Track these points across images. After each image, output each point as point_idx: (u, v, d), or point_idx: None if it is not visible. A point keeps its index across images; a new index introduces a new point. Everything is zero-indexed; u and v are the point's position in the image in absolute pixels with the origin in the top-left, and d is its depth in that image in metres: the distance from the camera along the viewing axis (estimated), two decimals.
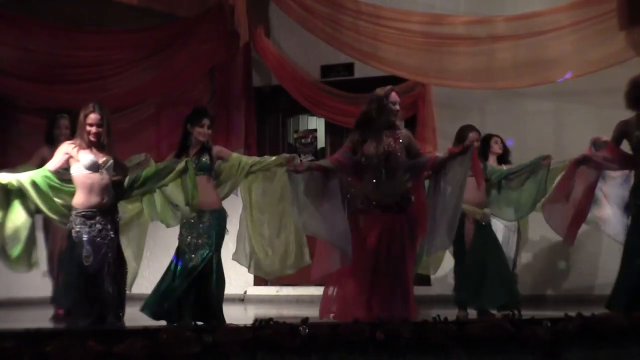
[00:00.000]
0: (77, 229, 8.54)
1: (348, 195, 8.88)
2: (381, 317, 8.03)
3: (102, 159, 8.60)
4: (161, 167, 8.94)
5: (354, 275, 8.69)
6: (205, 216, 9.29)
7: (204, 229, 9.34)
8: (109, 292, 8.67)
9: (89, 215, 8.56)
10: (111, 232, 8.68)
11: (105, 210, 8.64)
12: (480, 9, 12.36)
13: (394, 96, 8.81)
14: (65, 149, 8.67)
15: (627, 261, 8.99)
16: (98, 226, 8.58)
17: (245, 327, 7.23)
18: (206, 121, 9.46)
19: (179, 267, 9.27)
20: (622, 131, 9.03)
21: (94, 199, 8.58)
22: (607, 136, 9.19)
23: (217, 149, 9.63)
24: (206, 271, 9.19)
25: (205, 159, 9.38)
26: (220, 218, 9.46)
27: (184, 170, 8.86)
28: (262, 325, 7.16)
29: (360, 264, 8.64)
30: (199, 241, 9.31)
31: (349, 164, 8.86)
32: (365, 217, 8.72)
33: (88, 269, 8.54)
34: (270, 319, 7.28)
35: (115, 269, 8.77)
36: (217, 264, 9.39)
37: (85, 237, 8.54)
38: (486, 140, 10.55)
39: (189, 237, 9.27)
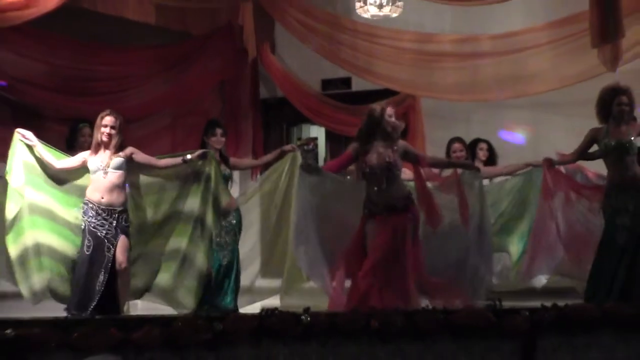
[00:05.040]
0: (82, 217, 8.88)
1: None
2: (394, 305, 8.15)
3: (106, 161, 8.73)
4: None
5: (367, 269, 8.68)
6: (229, 216, 9.43)
7: (230, 228, 9.48)
8: (101, 283, 8.74)
9: (92, 207, 8.74)
10: (113, 230, 8.73)
11: (108, 209, 8.72)
12: (465, 28, 12.38)
13: (390, 110, 8.86)
14: (84, 155, 9.03)
15: (599, 258, 9.04)
16: (99, 220, 8.68)
17: (252, 316, 7.26)
18: (219, 130, 9.68)
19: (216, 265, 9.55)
20: (593, 137, 9.16)
21: (96, 196, 8.82)
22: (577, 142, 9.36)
23: (232, 160, 9.79)
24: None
25: (226, 172, 9.51)
26: (239, 216, 9.61)
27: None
28: (267, 314, 7.19)
29: (373, 259, 8.64)
30: (227, 239, 9.43)
31: (337, 167, 9.12)
32: (375, 220, 8.72)
33: (87, 259, 8.66)
34: (275, 309, 7.30)
35: (113, 266, 8.83)
36: (238, 258, 9.56)
37: (87, 227, 8.67)
38: (472, 146, 10.56)
39: (218, 237, 9.40)
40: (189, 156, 9.10)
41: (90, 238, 8.77)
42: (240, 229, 9.83)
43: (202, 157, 9.14)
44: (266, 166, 10.62)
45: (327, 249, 8.84)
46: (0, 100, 11.97)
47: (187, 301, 9.20)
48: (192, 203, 9.22)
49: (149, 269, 9.33)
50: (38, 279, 9.00)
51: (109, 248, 8.79)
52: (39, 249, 8.98)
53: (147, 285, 9.39)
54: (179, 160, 9.13)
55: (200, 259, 9.21)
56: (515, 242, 10.32)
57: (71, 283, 8.96)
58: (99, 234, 8.76)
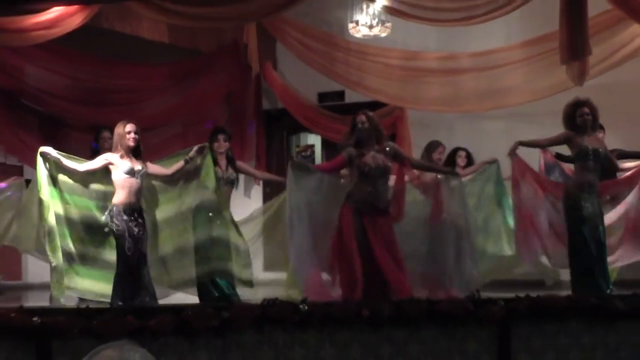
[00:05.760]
0: (118, 223, 8.54)
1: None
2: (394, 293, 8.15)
3: (137, 167, 8.64)
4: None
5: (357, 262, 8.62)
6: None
7: None
8: (145, 276, 8.67)
9: (128, 211, 8.58)
10: (143, 227, 8.68)
11: (138, 208, 8.67)
12: (448, 46, 12.41)
13: (359, 117, 8.82)
14: (106, 156, 8.74)
15: (574, 255, 9.05)
16: (134, 222, 8.58)
17: (255, 305, 7.29)
18: (220, 136, 9.49)
19: None
20: (568, 137, 9.12)
21: (132, 198, 8.58)
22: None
23: (238, 163, 9.69)
24: None
25: (232, 176, 9.41)
26: None
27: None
28: (269, 303, 7.21)
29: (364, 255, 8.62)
30: None
31: (329, 168, 9.12)
32: (366, 218, 8.66)
33: (130, 258, 8.55)
34: (276, 299, 7.33)
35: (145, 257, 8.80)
36: None
37: (125, 230, 8.56)
38: (452, 153, 10.59)
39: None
40: (190, 154, 9.03)
41: (130, 240, 8.60)
42: None
43: (200, 151, 9.06)
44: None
45: (313, 242, 8.79)
46: (27, 111, 12.02)
47: (247, 276, 9.18)
48: (203, 194, 9.13)
49: (188, 261, 9.21)
50: (76, 283, 8.93)
51: (142, 243, 8.69)
52: (72, 257, 8.89)
53: (191, 278, 9.16)
54: (182, 163, 9.04)
55: (238, 239, 9.18)
56: (492, 242, 10.38)
57: (114, 280, 8.79)
58: (135, 234, 8.62)
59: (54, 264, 8.59)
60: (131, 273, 8.53)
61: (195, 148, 9.01)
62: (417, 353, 7.35)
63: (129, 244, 8.51)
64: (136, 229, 8.57)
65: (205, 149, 9.04)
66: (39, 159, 8.56)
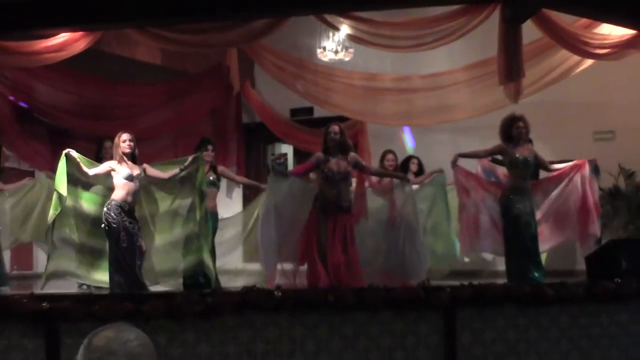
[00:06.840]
0: (114, 216, 8.36)
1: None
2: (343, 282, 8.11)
3: (135, 172, 8.56)
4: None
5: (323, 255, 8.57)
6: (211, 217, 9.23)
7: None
8: (138, 266, 8.55)
9: (124, 208, 8.44)
10: (136, 223, 8.57)
11: (133, 207, 8.58)
12: (402, 69, 12.40)
13: (332, 127, 8.81)
14: (110, 164, 8.63)
15: (510, 248, 9.05)
16: (128, 218, 8.46)
17: (235, 292, 7.24)
18: (209, 146, 9.49)
19: None
20: (501, 149, 9.20)
21: (128, 198, 8.45)
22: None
23: (220, 169, 9.67)
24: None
25: (213, 177, 9.37)
26: (215, 218, 9.46)
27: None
28: (247, 290, 7.17)
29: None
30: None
31: (302, 171, 9.11)
32: (329, 218, 8.63)
33: (125, 250, 8.43)
34: (254, 286, 7.28)
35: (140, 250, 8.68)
36: (214, 249, 9.33)
37: (120, 224, 8.42)
38: (405, 160, 10.64)
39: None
40: (186, 163, 8.94)
41: (124, 233, 8.47)
42: (215, 228, 9.60)
43: (194, 161, 8.96)
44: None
45: (280, 236, 8.74)
46: (38, 123, 11.95)
47: (209, 262, 8.86)
48: (191, 195, 9.03)
49: (174, 255, 9.10)
50: (65, 265, 8.82)
51: (137, 239, 8.56)
52: (73, 244, 8.80)
53: (175, 269, 9.11)
54: (177, 170, 8.94)
55: (207, 234, 8.98)
56: (442, 243, 10.39)
57: (109, 271, 8.66)
58: (130, 229, 8.49)
59: (51, 252, 8.54)
60: (126, 264, 8.41)
61: (189, 159, 8.92)
62: (377, 333, 7.34)
63: (123, 236, 8.38)
64: (130, 225, 8.46)
65: (199, 159, 8.96)
66: (63, 159, 8.48)
